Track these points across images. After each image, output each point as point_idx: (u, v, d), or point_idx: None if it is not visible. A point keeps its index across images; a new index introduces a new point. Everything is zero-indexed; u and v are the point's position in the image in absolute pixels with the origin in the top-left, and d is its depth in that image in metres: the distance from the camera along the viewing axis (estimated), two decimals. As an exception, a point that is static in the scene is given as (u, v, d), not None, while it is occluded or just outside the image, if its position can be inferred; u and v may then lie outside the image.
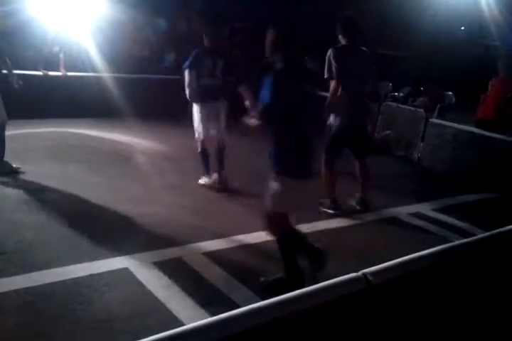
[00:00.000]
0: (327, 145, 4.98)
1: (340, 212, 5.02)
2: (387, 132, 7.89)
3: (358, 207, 5.19)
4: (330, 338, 2.01)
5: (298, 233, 3.55)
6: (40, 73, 7.80)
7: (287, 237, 3.41)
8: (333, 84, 4.78)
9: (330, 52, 4.79)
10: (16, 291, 3.12)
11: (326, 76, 4.80)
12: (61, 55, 8.05)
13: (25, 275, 3.30)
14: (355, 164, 5.13)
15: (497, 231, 2.94)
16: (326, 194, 5.07)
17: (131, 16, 9.63)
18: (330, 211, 5.03)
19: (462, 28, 16.91)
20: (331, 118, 4.93)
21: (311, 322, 1.94)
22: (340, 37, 4.90)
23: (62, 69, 8.03)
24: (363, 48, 4.99)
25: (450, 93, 9.34)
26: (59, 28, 7.86)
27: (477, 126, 7.15)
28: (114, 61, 8.53)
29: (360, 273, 2.13)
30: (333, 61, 4.73)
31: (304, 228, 4.51)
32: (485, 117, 7.23)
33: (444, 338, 2.45)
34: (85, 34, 8.21)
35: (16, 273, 3.32)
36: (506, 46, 12.87)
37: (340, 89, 4.76)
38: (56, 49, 8.03)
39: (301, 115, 3.29)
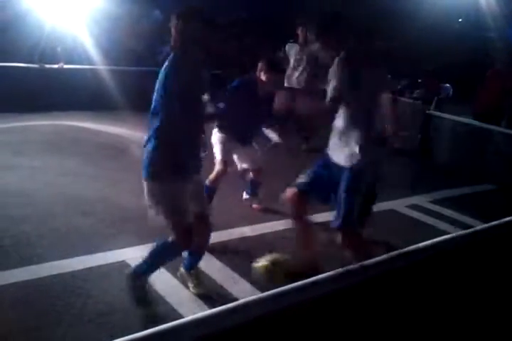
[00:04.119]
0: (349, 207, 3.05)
1: None
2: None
3: None
4: (326, 330, 2.02)
5: None
6: (36, 66, 7.75)
7: None
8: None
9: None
10: (15, 284, 3.12)
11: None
12: (59, 49, 8.00)
13: (23, 269, 3.30)
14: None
15: (495, 223, 2.95)
16: None
17: (128, 9, 9.56)
18: None
19: (460, 19, 16.84)
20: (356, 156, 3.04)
21: (308, 315, 1.95)
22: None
23: (61, 62, 7.98)
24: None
25: (448, 85, 9.33)
26: (55, 20, 7.80)
27: (475, 119, 7.16)
28: (110, 54, 8.47)
29: (358, 264, 2.14)
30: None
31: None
32: (483, 109, 7.23)
33: (442, 330, 2.46)
34: (81, 27, 8.14)
35: (14, 267, 3.31)
36: (503, 38, 12.83)
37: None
38: (53, 42, 7.97)
39: None
